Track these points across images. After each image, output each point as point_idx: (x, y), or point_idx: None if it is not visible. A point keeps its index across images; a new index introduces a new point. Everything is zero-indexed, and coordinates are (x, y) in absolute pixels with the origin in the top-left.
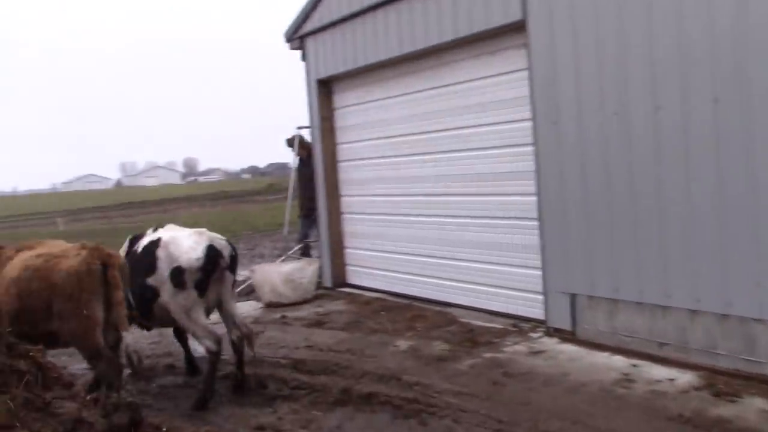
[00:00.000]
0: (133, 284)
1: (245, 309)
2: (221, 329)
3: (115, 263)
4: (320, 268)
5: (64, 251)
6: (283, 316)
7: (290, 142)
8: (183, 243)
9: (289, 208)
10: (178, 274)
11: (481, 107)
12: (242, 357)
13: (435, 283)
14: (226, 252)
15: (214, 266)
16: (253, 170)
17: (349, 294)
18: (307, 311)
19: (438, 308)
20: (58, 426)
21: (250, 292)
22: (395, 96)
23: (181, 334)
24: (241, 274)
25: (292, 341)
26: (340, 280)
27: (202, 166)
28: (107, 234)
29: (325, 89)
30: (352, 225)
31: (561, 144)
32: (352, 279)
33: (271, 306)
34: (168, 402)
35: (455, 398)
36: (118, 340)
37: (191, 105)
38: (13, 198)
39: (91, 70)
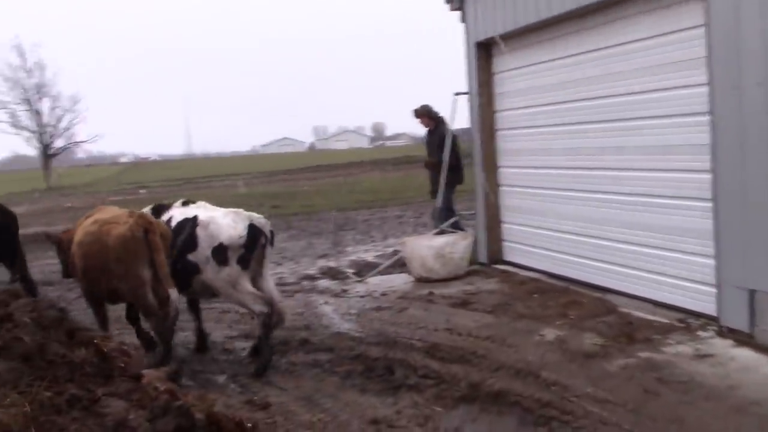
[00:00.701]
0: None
1: (395, 283)
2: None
3: (155, 230)
4: (474, 243)
5: (115, 218)
6: (430, 293)
7: (417, 113)
8: (222, 222)
9: (444, 179)
10: (221, 252)
11: (650, 70)
12: (269, 332)
13: (595, 266)
14: (266, 229)
15: (255, 243)
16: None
17: (504, 272)
18: (456, 288)
19: (597, 294)
20: (97, 429)
21: (403, 264)
22: (558, 59)
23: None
24: (392, 245)
25: (433, 322)
26: (495, 256)
27: (390, 131)
28: (283, 197)
29: (484, 53)
30: (509, 198)
31: (743, 113)
32: (509, 256)
33: (420, 281)
34: (292, 381)
35: (596, 406)
36: (166, 298)
37: (378, 70)
38: (210, 160)
39: (285, 38)
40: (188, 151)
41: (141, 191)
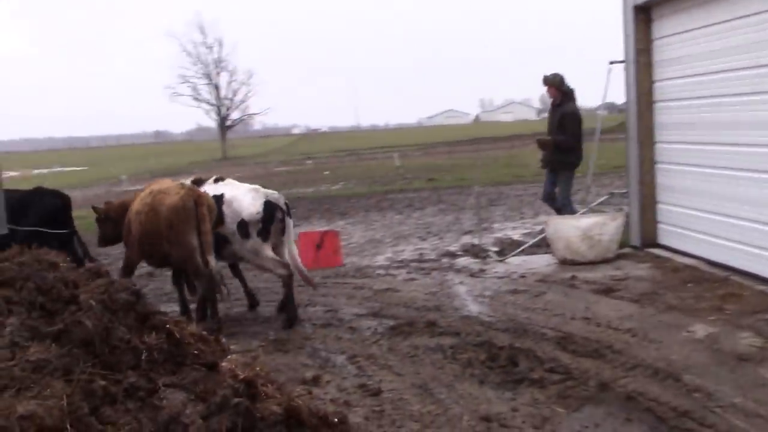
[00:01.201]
0: None
1: (537, 264)
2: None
3: (204, 202)
4: (626, 225)
5: (167, 189)
6: (573, 277)
7: (546, 81)
8: (243, 200)
9: (594, 154)
10: (243, 227)
11: None
12: (291, 291)
13: (762, 255)
14: (281, 203)
15: (272, 217)
16: (610, 107)
17: (657, 257)
18: (602, 273)
19: (761, 287)
20: (148, 423)
21: (549, 245)
22: (729, 20)
23: (237, 272)
24: (542, 223)
25: (570, 309)
26: (649, 239)
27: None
28: (440, 170)
29: (643, 16)
30: (667, 177)
31: None
32: (664, 240)
33: (565, 263)
34: (410, 366)
35: (744, 420)
36: (206, 263)
37: (546, 41)
38: (377, 132)
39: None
40: (356, 124)
41: (307, 162)
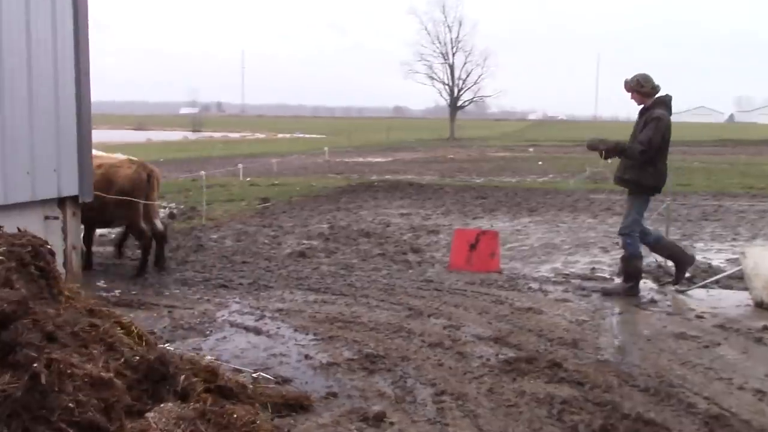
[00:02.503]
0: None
1: (725, 302)
2: None
3: (155, 175)
4: None
5: (120, 163)
6: (765, 328)
7: (627, 86)
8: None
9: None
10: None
11: None
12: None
13: None
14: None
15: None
16: None
17: None
18: None
19: None
20: None
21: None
22: None
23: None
24: (732, 254)
25: (744, 374)
26: None
27: None
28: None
29: None
30: None
31: None
32: None
33: (761, 307)
34: (502, 420)
35: None
36: (153, 225)
37: None
38: (615, 124)
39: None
40: (595, 114)
41: (529, 150)
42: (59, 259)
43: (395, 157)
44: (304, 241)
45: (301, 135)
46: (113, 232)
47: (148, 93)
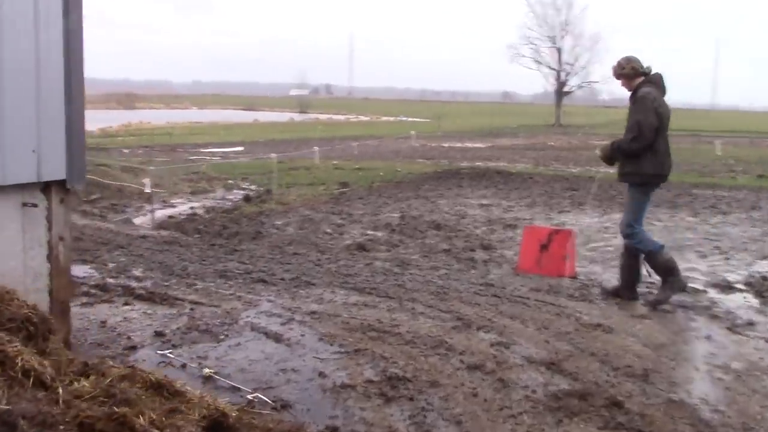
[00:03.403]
0: None
1: None
2: None
3: None
4: None
5: None
6: None
7: (613, 71)
8: None
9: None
10: None
11: None
12: None
13: None
14: None
15: None
16: None
17: None
18: None
19: None
20: None
21: None
22: None
23: None
24: None
25: None
26: None
27: None
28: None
29: None
30: None
31: None
32: None
33: None
34: None
35: None
36: None
37: None
38: (734, 113)
39: None
40: (713, 102)
41: None
42: (42, 252)
43: (494, 143)
44: (369, 232)
45: (405, 118)
46: (181, 213)
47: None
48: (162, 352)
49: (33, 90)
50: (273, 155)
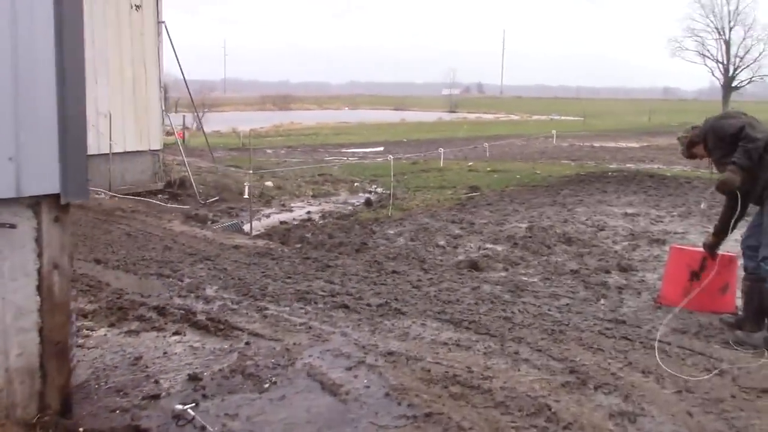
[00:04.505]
0: None
1: None
2: None
3: None
4: None
5: None
6: None
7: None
8: None
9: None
10: None
11: None
12: None
13: None
14: None
15: None
16: None
17: None
18: None
19: None
20: None
21: None
22: None
23: None
24: None
25: None
26: None
27: None
28: None
29: None
30: None
31: None
32: None
33: None
34: None
35: None
36: None
37: None
38: None
39: None
40: None
41: None
42: (29, 283)
43: (650, 143)
44: (487, 246)
45: (557, 117)
46: (295, 219)
47: (415, 74)
48: (183, 407)
49: (8, 84)
50: (390, 157)
